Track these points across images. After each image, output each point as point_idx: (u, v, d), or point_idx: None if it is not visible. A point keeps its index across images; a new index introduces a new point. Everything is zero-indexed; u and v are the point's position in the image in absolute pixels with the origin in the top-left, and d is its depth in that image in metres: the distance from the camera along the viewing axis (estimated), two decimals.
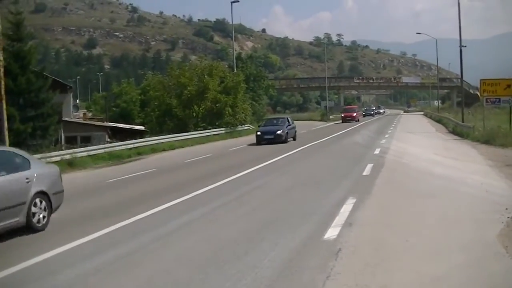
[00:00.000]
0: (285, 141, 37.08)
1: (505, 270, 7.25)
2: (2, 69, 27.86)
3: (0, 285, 7.84)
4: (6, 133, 27.24)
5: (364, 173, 17.60)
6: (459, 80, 72.47)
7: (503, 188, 13.84)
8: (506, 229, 9.24)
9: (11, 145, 27.83)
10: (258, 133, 39.33)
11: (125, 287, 7.44)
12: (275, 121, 42.15)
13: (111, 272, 8.04)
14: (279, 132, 37.89)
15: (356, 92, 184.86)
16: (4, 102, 27.43)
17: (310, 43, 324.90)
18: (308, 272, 7.29)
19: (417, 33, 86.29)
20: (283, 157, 25.49)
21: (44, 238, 10.77)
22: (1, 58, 28.08)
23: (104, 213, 13.18)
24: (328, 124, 72.44)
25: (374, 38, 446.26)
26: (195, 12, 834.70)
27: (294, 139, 39.89)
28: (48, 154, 26.96)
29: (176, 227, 10.92)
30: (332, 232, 9.31)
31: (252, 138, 39.98)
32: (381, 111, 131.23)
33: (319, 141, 36.19)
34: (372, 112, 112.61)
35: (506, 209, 10.73)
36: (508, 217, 10.02)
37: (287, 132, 38.52)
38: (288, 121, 41.28)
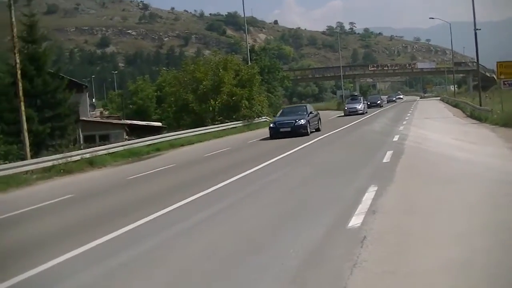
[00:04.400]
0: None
1: None
2: (19, 71, 28.13)
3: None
4: (26, 134, 27.53)
5: (384, 160, 17.53)
6: (475, 64, 71.96)
7: None
8: None
9: (31, 146, 28.15)
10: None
11: (153, 280, 7.50)
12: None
13: (138, 267, 8.11)
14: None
15: (371, 80, 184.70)
16: (22, 104, 27.69)
17: (323, 32, 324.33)
18: (335, 261, 7.30)
19: (430, 18, 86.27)
20: (301, 148, 25.43)
21: (70, 236, 10.84)
22: (18, 61, 28.38)
23: (126, 209, 13.25)
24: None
25: (387, 25, 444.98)
26: (206, 6, 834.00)
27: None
28: (68, 154, 27.11)
29: (199, 221, 10.96)
30: (356, 220, 9.30)
31: None
32: (359, 106, 60.89)
33: (337, 130, 36.01)
34: (304, 119, 34.58)
35: None
36: None
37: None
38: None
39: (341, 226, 9.10)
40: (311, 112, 36.36)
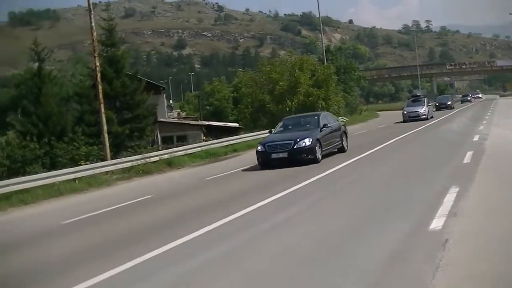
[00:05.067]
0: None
1: None
2: (99, 74, 28.83)
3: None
4: (106, 135, 28.12)
5: (465, 161, 17.15)
6: None
7: None
8: None
9: (111, 147, 28.81)
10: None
11: (233, 280, 7.56)
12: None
13: (216, 268, 8.18)
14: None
15: (449, 79, 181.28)
16: (102, 106, 28.33)
17: (399, 31, 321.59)
18: (417, 264, 7.18)
19: (510, 13, 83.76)
20: (378, 149, 24.98)
21: (151, 236, 11.03)
22: (97, 64, 29.07)
23: (205, 210, 13.43)
24: None
25: (464, 22, 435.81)
26: (280, 7, 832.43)
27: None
28: (147, 155, 27.65)
29: (278, 222, 11.01)
30: (437, 223, 9.13)
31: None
32: (422, 109, 49.22)
33: (414, 130, 35.37)
34: (310, 137, 21.85)
35: None
36: None
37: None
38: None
39: (422, 228, 8.96)
40: (325, 126, 23.50)
